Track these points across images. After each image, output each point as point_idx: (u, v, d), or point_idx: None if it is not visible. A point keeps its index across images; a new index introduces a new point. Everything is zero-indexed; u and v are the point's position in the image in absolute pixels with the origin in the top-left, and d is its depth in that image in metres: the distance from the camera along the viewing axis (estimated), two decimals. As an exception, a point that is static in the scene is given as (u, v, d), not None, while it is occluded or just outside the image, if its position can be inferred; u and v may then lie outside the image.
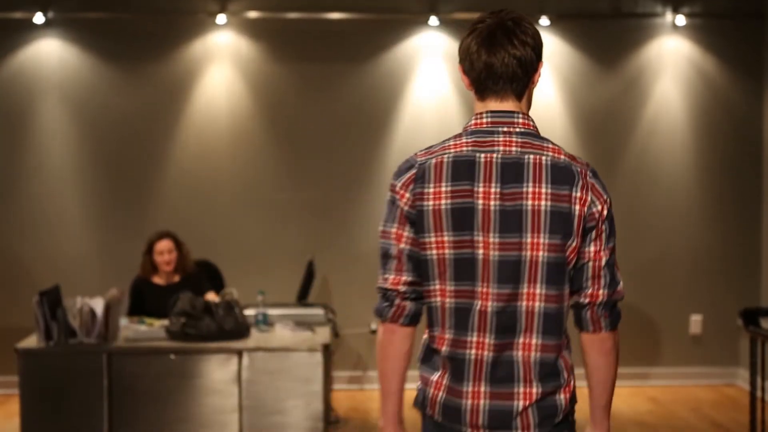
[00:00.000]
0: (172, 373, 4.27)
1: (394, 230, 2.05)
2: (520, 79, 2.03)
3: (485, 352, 2.00)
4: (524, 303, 1.99)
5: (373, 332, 6.01)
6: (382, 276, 2.07)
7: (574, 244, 1.99)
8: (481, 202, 1.98)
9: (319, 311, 4.81)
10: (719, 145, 6.11)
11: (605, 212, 2.01)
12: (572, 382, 2.06)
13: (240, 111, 5.97)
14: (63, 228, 5.94)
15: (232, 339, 4.34)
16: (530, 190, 1.97)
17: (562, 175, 1.98)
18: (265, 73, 5.97)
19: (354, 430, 5.17)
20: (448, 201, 1.99)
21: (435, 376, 2.07)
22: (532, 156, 1.99)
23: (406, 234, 2.04)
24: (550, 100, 6.03)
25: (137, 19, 5.91)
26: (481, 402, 2.01)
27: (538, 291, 1.99)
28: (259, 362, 4.26)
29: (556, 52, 6.03)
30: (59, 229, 5.94)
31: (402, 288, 2.04)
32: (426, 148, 2.08)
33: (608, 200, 2.02)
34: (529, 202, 1.97)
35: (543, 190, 1.97)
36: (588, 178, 2.00)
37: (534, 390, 2.00)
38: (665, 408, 5.59)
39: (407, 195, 2.04)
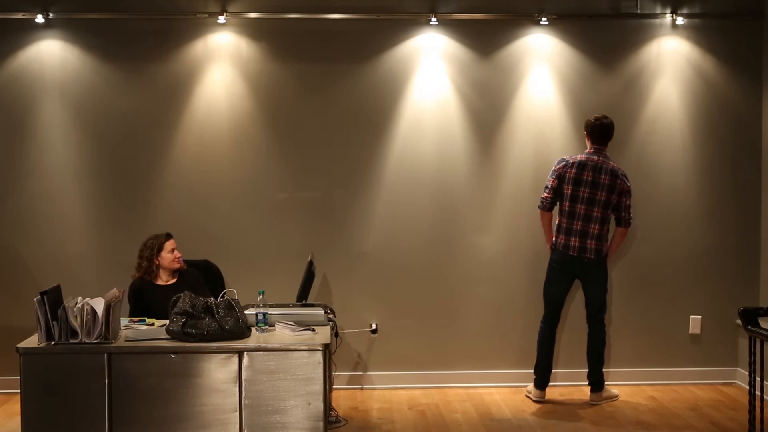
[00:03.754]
0: (173, 373, 4.27)
1: (552, 179, 5.59)
2: (607, 139, 5.62)
3: (578, 228, 5.50)
4: (594, 214, 5.50)
5: (373, 332, 6.03)
6: (543, 193, 5.62)
7: (615, 196, 5.53)
8: (584, 178, 5.52)
9: (319, 311, 4.81)
10: (718, 145, 6.11)
11: (627, 187, 5.57)
12: (607, 243, 5.58)
13: (240, 111, 5.98)
14: (63, 228, 5.95)
15: (233, 339, 4.35)
16: (601, 176, 5.52)
17: (612, 172, 5.54)
18: (265, 73, 5.98)
19: (354, 430, 5.18)
20: (572, 176, 5.53)
21: (560, 235, 5.57)
22: (604, 165, 5.54)
23: (556, 181, 5.56)
24: (550, 99, 6.04)
25: (137, 19, 5.92)
26: (577, 244, 5.51)
27: (600, 209, 5.51)
28: (260, 362, 4.27)
29: (555, 52, 6.04)
30: (60, 228, 5.95)
31: (550, 198, 5.59)
32: (570, 155, 5.67)
33: (629, 183, 5.59)
34: (601, 181, 5.51)
35: (607, 176, 5.53)
36: (622, 175, 5.57)
37: (595, 242, 5.52)
38: (665, 407, 5.60)
39: (559, 168, 5.57)
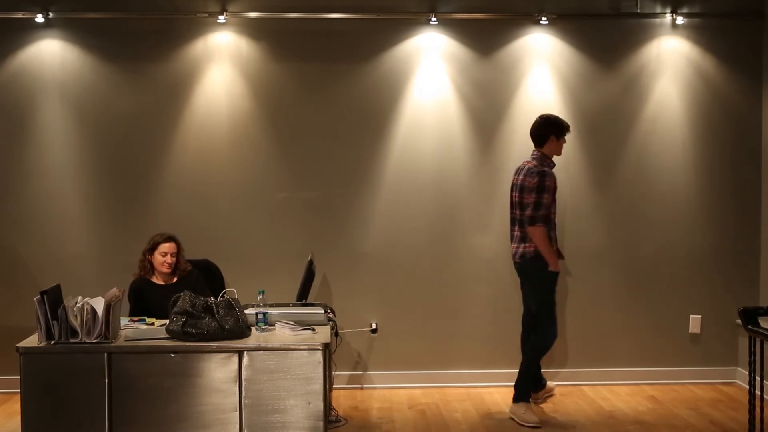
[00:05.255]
0: (173, 373, 4.27)
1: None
2: (535, 139, 5.42)
3: (511, 233, 5.43)
4: (516, 216, 5.36)
5: (373, 332, 6.03)
6: None
7: (526, 195, 5.26)
8: (512, 182, 5.45)
9: (319, 311, 4.81)
10: (718, 144, 6.12)
11: (530, 183, 5.23)
12: (532, 245, 5.24)
13: (240, 111, 5.98)
14: (64, 227, 5.95)
15: (233, 338, 4.35)
16: (517, 176, 5.40)
17: (527, 171, 5.30)
18: (265, 73, 5.98)
19: (354, 430, 5.18)
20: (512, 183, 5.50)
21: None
22: (526, 165, 5.37)
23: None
24: (550, 99, 6.04)
25: (137, 19, 5.92)
26: (512, 250, 5.41)
27: (518, 211, 5.33)
28: (260, 361, 4.27)
29: (555, 52, 6.04)
30: (60, 228, 5.95)
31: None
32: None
33: (536, 180, 5.21)
34: (514, 182, 5.41)
35: (520, 176, 5.36)
36: (533, 173, 5.25)
37: (516, 244, 5.36)
38: (665, 407, 5.60)
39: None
